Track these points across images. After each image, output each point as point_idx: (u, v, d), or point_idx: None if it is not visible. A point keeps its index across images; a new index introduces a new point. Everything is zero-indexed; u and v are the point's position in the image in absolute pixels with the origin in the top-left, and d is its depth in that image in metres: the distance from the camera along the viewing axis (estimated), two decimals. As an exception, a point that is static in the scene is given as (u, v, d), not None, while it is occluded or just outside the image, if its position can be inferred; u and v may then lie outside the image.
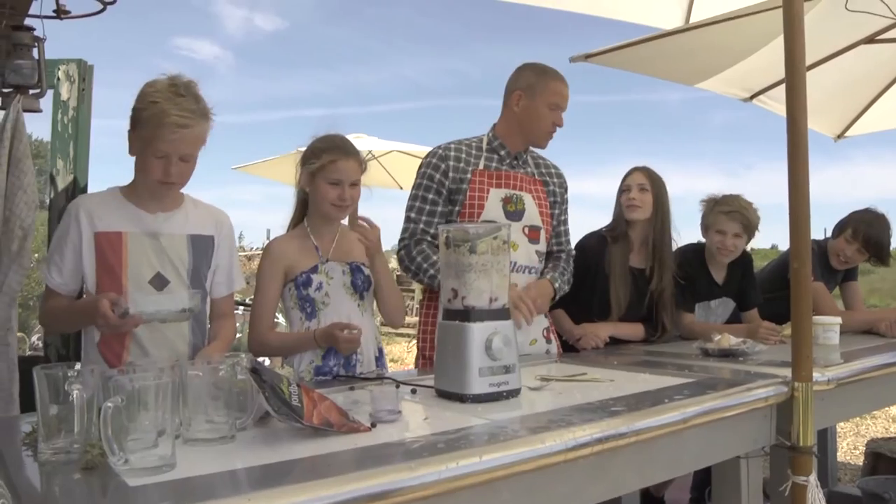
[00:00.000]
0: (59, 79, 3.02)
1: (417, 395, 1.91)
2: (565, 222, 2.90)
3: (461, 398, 1.78)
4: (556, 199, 2.81)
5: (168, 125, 1.91)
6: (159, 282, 2.06)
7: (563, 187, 2.87)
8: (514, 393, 1.83)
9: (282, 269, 2.35)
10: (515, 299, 2.44)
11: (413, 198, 2.66)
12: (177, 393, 1.40)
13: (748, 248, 3.38)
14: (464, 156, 2.65)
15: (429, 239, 2.63)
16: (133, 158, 2.03)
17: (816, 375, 2.02)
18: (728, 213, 3.17)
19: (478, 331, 1.80)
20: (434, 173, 2.62)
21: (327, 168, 2.30)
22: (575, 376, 2.12)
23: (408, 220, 2.65)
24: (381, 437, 1.46)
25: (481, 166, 2.64)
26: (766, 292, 3.35)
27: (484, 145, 2.70)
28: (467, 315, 1.82)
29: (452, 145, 2.68)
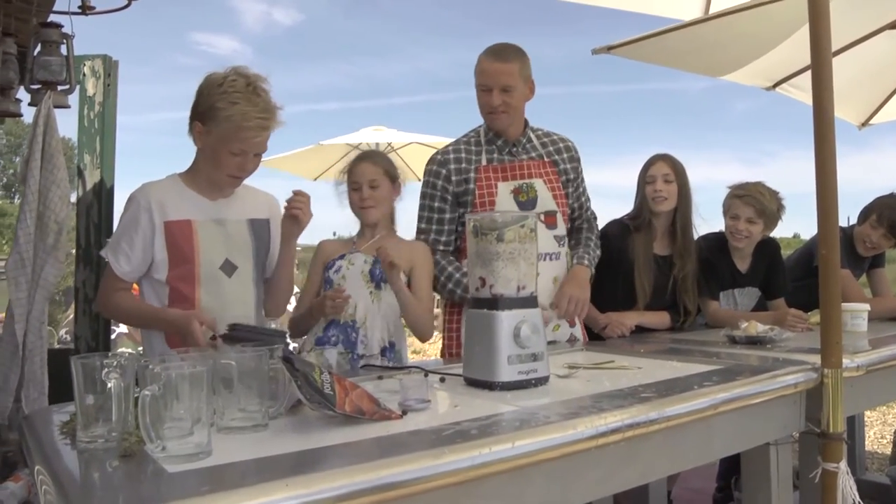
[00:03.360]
0: (84, 74, 3.04)
1: (446, 383, 1.92)
2: (584, 192, 2.83)
3: (490, 386, 1.79)
4: (568, 176, 2.72)
5: (250, 128, 1.97)
6: (229, 267, 2.12)
7: (576, 160, 2.77)
8: (542, 380, 1.84)
9: (321, 261, 2.51)
10: (561, 301, 2.53)
11: (421, 207, 2.67)
12: (210, 382, 1.43)
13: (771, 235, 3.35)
14: (464, 155, 2.62)
15: (441, 248, 2.63)
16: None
17: (846, 362, 2.02)
18: (741, 196, 3.13)
19: (506, 319, 1.80)
20: (436, 180, 2.62)
21: (348, 176, 2.51)
22: (603, 364, 2.13)
23: (419, 231, 2.66)
24: (413, 425, 1.47)
25: (484, 161, 2.61)
26: (792, 280, 3.33)
27: (482, 138, 2.65)
28: (495, 303, 1.83)
29: (451, 147, 2.66)
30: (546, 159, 2.68)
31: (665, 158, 3.05)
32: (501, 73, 2.51)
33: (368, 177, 2.46)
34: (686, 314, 3.04)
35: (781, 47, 3.62)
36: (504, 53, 2.53)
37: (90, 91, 3.06)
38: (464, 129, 2.74)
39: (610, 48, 3.42)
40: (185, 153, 2.19)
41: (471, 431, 1.36)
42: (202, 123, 2.02)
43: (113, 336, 3.76)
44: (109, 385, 1.34)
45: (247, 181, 2.22)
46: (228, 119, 1.96)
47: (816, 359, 2.00)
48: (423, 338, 2.56)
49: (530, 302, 1.86)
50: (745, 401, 1.77)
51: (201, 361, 1.39)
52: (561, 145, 2.75)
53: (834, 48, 2.23)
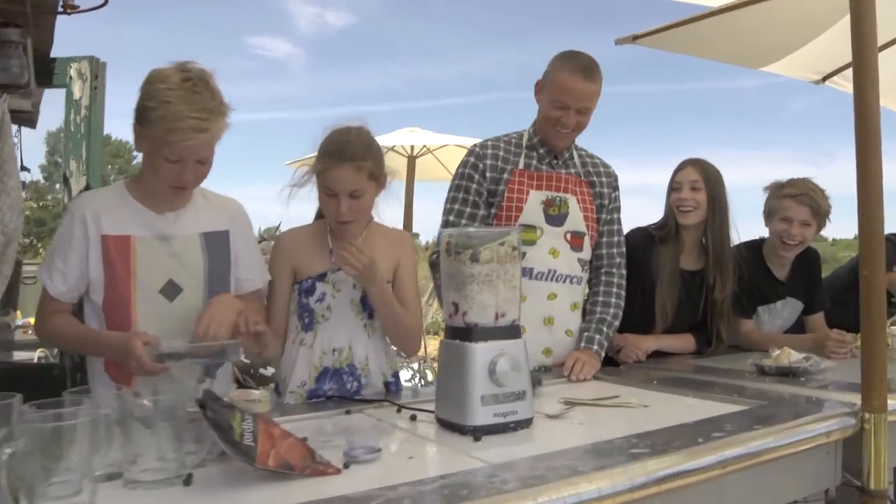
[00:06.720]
0: (71, 77, 2.91)
1: (416, 422, 1.67)
2: (617, 231, 2.55)
3: (461, 430, 1.53)
4: (603, 201, 2.50)
5: (184, 129, 1.68)
6: (172, 290, 1.85)
7: (613, 187, 2.54)
8: (524, 424, 1.57)
9: (290, 266, 2.06)
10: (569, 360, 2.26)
11: (452, 200, 2.42)
12: (111, 429, 1.22)
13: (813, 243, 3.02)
14: (502, 153, 2.41)
15: None
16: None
17: (891, 403, 1.69)
18: (795, 196, 2.80)
19: (480, 352, 1.55)
20: (473, 173, 2.40)
21: (320, 176, 2.00)
22: (603, 400, 1.85)
23: (446, 224, 2.40)
24: (352, 484, 1.23)
25: (521, 165, 2.40)
26: (835, 297, 3.02)
27: (524, 142, 2.45)
28: (469, 334, 1.57)
29: (490, 142, 2.45)
30: (583, 179, 2.47)
31: (695, 163, 2.73)
32: (586, 96, 2.31)
33: (349, 186, 1.95)
34: (719, 342, 2.74)
35: (826, 36, 3.29)
36: (593, 73, 2.30)
37: (76, 94, 2.91)
38: (512, 130, 2.54)
39: (635, 38, 3.15)
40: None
41: (402, 502, 1.11)
42: (139, 125, 1.77)
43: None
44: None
45: (208, 186, 1.97)
46: (160, 119, 1.68)
47: (856, 398, 1.70)
48: (410, 352, 2.19)
49: (511, 332, 1.60)
50: (764, 456, 1.47)
51: (96, 407, 1.17)
52: (602, 170, 2.54)
53: (882, 42, 1.93)
